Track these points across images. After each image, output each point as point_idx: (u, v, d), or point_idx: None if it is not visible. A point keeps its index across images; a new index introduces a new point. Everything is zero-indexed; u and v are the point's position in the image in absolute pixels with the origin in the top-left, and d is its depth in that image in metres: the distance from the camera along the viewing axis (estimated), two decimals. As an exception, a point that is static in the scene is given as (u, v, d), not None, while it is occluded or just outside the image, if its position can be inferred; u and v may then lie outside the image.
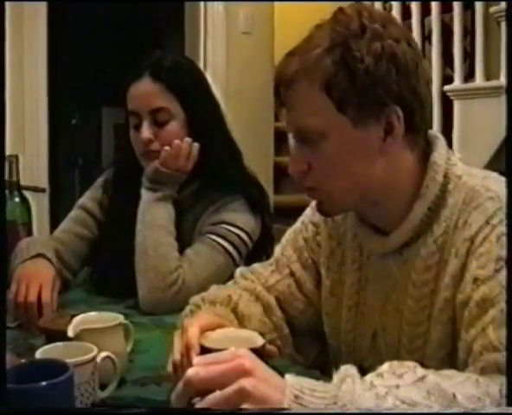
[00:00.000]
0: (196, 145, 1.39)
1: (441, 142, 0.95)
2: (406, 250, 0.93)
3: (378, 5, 3.26)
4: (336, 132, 0.88)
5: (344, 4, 0.91)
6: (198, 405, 0.64)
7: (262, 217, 1.48)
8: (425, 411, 0.63)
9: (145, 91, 1.40)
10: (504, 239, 0.80)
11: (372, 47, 0.86)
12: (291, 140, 1.07)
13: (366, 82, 0.86)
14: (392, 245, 0.93)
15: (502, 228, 0.81)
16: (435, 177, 0.90)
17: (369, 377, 0.66)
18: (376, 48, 0.86)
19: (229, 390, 0.62)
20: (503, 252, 0.79)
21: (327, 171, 0.91)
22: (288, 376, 0.65)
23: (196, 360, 0.69)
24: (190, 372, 0.65)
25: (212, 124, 1.46)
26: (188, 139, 1.39)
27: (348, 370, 0.66)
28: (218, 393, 0.63)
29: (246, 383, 0.62)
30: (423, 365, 0.69)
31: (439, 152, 0.92)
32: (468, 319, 0.80)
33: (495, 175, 0.92)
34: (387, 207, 0.93)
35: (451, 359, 0.86)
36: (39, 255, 1.34)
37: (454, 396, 0.64)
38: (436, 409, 0.63)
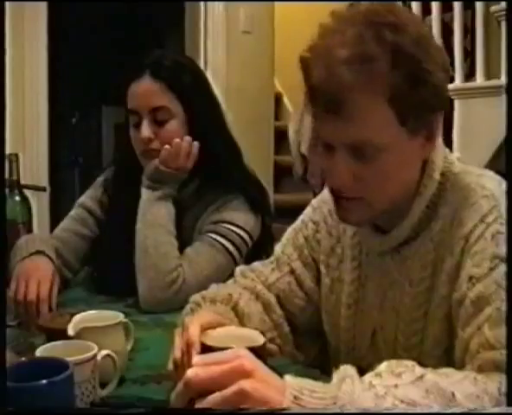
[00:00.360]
0: (196, 144, 1.39)
1: (438, 141, 0.95)
2: (405, 248, 0.93)
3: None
4: (394, 145, 0.85)
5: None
6: (198, 406, 0.64)
7: (262, 216, 1.48)
8: (425, 410, 0.63)
9: (145, 90, 1.40)
10: (499, 237, 0.80)
11: (433, 57, 0.83)
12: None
13: (431, 94, 0.83)
14: (390, 243, 0.94)
15: (497, 226, 0.81)
16: (432, 175, 0.91)
17: (368, 377, 0.66)
18: (435, 57, 0.84)
19: (229, 391, 0.62)
20: (498, 250, 0.79)
21: (379, 183, 0.87)
22: (287, 377, 0.65)
23: (196, 359, 0.69)
24: (190, 372, 0.65)
25: (212, 123, 1.46)
26: (188, 138, 1.39)
27: (347, 370, 0.66)
28: (217, 394, 0.63)
29: (245, 384, 0.62)
30: (420, 363, 0.69)
31: (437, 151, 0.92)
32: (464, 317, 0.80)
33: (490, 173, 0.92)
34: (393, 207, 0.92)
35: (447, 356, 0.86)
36: (38, 252, 1.34)
37: (453, 394, 0.64)
38: (435, 408, 0.63)
